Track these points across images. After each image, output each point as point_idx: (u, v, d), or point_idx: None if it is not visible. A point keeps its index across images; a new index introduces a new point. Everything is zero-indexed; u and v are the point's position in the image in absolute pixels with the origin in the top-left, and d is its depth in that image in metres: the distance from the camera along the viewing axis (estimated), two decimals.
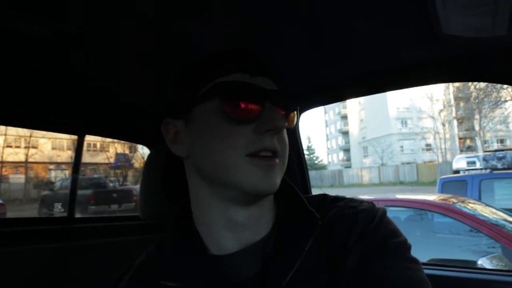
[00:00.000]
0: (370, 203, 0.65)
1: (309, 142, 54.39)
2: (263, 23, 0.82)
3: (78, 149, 1.74)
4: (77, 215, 1.82)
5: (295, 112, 0.67)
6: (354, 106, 46.25)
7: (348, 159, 49.49)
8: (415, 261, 0.57)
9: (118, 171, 22.36)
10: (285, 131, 0.63)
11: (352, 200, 0.67)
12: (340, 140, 53.69)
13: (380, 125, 38.91)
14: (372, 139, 40.07)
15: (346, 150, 50.76)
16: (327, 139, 58.54)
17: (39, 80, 1.16)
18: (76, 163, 1.83)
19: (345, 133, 51.35)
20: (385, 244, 0.58)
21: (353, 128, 47.72)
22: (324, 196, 0.71)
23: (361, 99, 41.99)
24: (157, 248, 0.69)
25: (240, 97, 0.60)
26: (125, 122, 1.57)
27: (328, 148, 58.05)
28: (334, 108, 52.98)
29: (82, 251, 1.58)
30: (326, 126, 58.80)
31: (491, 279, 1.21)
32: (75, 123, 1.56)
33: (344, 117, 51.45)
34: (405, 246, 0.59)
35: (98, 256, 1.57)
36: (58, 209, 11.34)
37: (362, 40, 0.91)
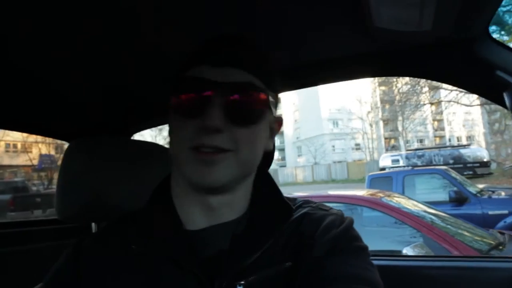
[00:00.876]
0: (339, 210, 0.70)
1: None
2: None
3: None
4: None
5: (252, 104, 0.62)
6: (289, 107, 47.60)
7: (283, 159, 50.78)
8: (373, 265, 0.62)
9: (43, 174, 20.71)
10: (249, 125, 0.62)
11: (323, 204, 0.72)
12: (275, 140, 55.01)
13: (313, 126, 40.43)
14: (305, 139, 41.50)
15: (281, 150, 52.00)
16: None
17: None
18: None
19: (280, 133, 52.71)
20: (351, 245, 0.63)
21: (288, 128, 49.02)
22: (294, 197, 0.74)
23: (296, 100, 43.37)
24: (131, 214, 0.70)
25: (182, 92, 0.62)
26: (39, 112, 1.37)
27: None
28: None
29: None
30: None
31: (415, 265, 1.30)
32: None
33: None
34: (367, 252, 0.64)
35: (9, 265, 1.39)
36: None
37: (292, 31, 0.89)
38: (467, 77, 0.92)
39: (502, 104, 0.82)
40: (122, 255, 0.63)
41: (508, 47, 0.84)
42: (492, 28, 0.85)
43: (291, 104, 45.50)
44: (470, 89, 0.96)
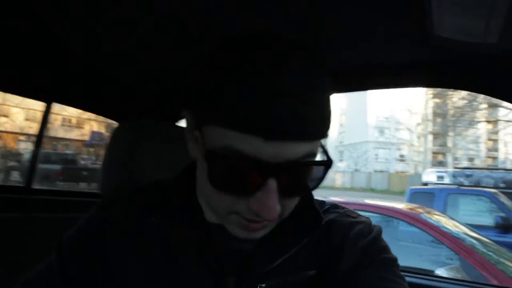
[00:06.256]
0: (367, 218, 0.68)
1: None
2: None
3: (45, 117, 1.67)
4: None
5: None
6: (335, 110, 46.88)
7: None
8: (403, 278, 0.60)
9: (92, 149, 21.87)
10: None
11: (350, 210, 0.70)
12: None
13: (358, 132, 39.53)
14: (349, 144, 40.67)
15: None
16: None
17: (8, 40, 1.08)
18: (41, 132, 1.75)
19: None
20: (380, 257, 0.61)
21: (332, 131, 48.33)
22: (322, 201, 0.71)
23: (343, 104, 42.58)
24: (150, 188, 0.70)
25: (224, 165, 0.49)
26: (93, 92, 1.50)
27: None
28: None
29: (40, 223, 1.51)
30: None
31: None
32: (43, 89, 1.48)
33: None
34: (396, 264, 0.62)
35: (56, 230, 1.50)
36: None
37: (352, 34, 0.88)
38: None
39: None
40: (143, 231, 0.62)
41: None
42: None
43: (338, 107, 44.75)
44: None
